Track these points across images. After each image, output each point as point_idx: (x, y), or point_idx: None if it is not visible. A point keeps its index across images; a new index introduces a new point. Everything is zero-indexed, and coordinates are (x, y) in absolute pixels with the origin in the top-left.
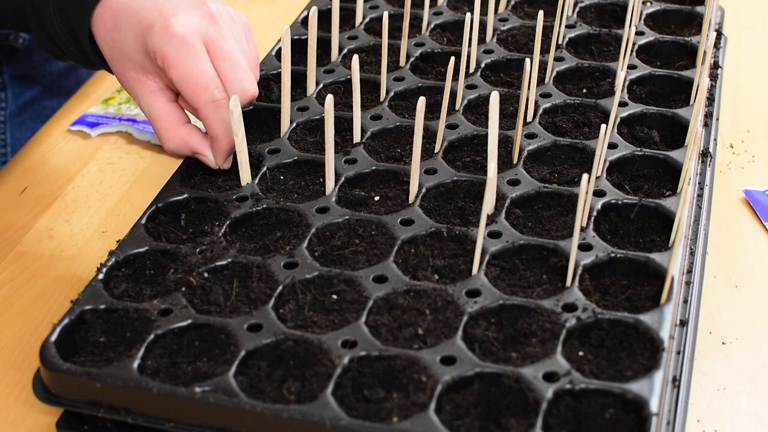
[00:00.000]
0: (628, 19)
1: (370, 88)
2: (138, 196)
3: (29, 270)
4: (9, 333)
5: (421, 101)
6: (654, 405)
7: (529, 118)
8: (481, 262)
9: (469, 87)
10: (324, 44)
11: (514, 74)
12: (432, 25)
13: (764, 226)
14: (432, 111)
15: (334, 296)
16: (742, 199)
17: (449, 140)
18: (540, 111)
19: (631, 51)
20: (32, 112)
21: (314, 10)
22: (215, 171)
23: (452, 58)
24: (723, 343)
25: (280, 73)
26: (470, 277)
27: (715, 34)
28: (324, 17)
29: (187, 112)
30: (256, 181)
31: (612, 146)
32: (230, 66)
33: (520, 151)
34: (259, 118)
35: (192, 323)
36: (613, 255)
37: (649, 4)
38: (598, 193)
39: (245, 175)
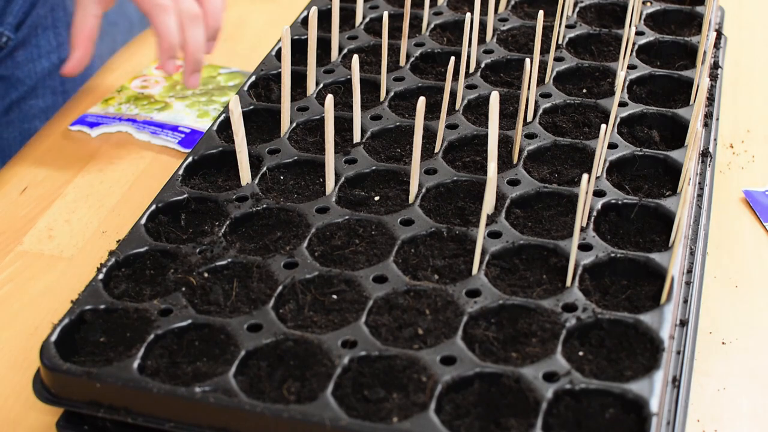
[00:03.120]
0: (628, 19)
1: (370, 88)
2: (138, 196)
3: (29, 270)
4: (9, 333)
5: (421, 101)
6: (654, 405)
7: (529, 118)
8: (481, 262)
9: (469, 87)
10: (324, 44)
11: (514, 74)
12: (432, 25)
13: (764, 226)
14: (432, 111)
15: (334, 296)
16: (742, 199)
17: (449, 140)
18: (540, 111)
19: (631, 51)
20: (19, 112)
21: (314, 10)
22: (215, 171)
23: (452, 58)
24: (723, 343)
25: (280, 73)
26: (470, 277)
27: (715, 34)
28: (324, 17)
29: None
30: (256, 181)
31: (612, 146)
32: None
33: (520, 151)
34: (259, 118)
35: (192, 323)
36: (613, 255)
37: (649, 4)
38: (598, 193)
39: (245, 175)
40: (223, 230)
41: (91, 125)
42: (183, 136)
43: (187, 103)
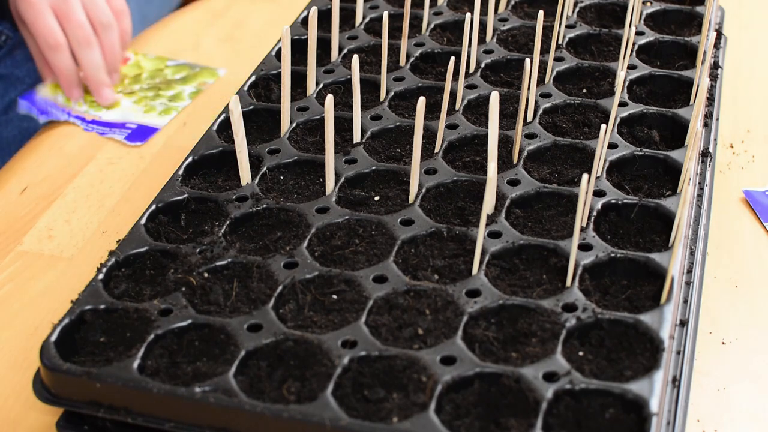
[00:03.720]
0: (628, 19)
1: (370, 88)
2: (138, 196)
3: (29, 270)
4: (9, 333)
5: (421, 101)
6: (654, 405)
7: (529, 118)
8: (481, 262)
9: (469, 87)
10: (324, 44)
11: (514, 74)
12: (432, 25)
13: (764, 226)
14: (432, 111)
15: (334, 296)
16: (742, 199)
17: (449, 140)
18: (540, 111)
19: (631, 51)
20: (18, 111)
21: (314, 10)
22: (215, 171)
23: (452, 58)
24: (723, 343)
25: (280, 73)
26: (470, 277)
27: (715, 34)
28: (324, 17)
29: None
30: (256, 181)
31: (612, 146)
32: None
33: (520, 151)
34: (259, 118)
35: (192, 323)
36: (613, 255)
37: (649, 4)
38: (598, 193)
39: (245, 175)
40: (223, 230)
41: (40, 111)
42: (130, 131)
43: (135, 99)
